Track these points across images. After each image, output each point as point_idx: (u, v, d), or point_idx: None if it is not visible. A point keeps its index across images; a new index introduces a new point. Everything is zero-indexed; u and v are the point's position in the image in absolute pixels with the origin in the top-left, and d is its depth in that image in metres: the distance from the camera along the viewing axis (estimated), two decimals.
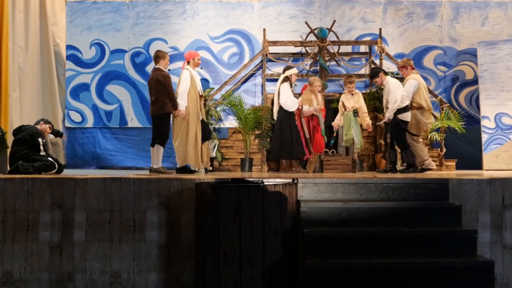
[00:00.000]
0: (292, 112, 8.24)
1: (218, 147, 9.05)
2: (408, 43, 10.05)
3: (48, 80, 9.98)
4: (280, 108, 8.30)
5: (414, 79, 7.44)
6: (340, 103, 8.70)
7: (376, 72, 7.86)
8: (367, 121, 8.47)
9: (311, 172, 8.27)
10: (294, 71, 8.47)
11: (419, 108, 7.42)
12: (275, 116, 8.50)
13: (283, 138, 8.18)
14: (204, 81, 9.62)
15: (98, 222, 5.46)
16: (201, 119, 7.35)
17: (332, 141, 8.80)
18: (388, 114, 7.49)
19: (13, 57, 9.02)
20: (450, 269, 4.49)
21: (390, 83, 7.64)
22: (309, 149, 8.35)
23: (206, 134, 7.49)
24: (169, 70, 7.40)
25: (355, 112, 8.49)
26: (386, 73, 7.88)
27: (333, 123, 8.78)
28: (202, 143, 7.31)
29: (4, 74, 8.62)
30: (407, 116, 7.38)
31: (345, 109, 8.58)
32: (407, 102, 7.35)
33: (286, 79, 8.35)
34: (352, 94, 8.66)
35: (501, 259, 5.32)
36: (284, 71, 8.53)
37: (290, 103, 8.19)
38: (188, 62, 7.40)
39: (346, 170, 8.00)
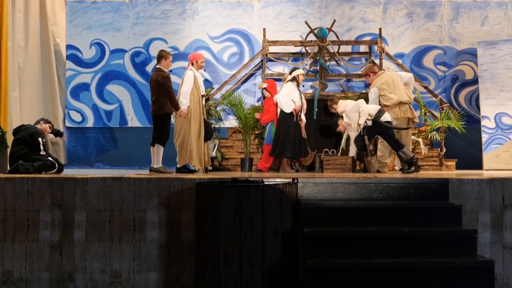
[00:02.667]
0: (291, 113, 8.22)
1: (218, 146, 9.05)
2: (408, 43, 10.05)
3: (48, 80, 9.97)
4: None
5: (375, 86, 7.84)
6: None
7: (330, 104, 8.30)
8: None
9: (307, 165, 8.48)
10: (300, 71, 8.43)
11: (402, 103, 7.65)
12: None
13: (289, 136, 8.14)
14: (205, 81, 9.62)
15: (98, 221, 5.46)
16: (203, 118, 7.38)
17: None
18: (360, 123, 7.58)
19: (13, 56, 9.01)
20: (450, 269, 4.49)
21: (344, 106, 8.01)
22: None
23: (208, 134, 7.51)
24: (170, 71, 7.41)
25: None
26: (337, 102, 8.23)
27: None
28: (204, 143, 7.34)
29: (4, 73, 8.61)
30: (388, 116, 7.46)
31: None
32: (371, 112, 7.51)
33: (293, 79, 8.34)
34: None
35: (501, 259, 5.33)
36: (291, 72, 8.49)
37: (284, 103, 8.17)
38: (192, 64, 7.44)
39: (346, 170, 8.00)
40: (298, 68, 8.60)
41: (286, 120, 8.20)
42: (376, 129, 7.52)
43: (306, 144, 8.35)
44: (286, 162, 8.32)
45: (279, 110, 8.37)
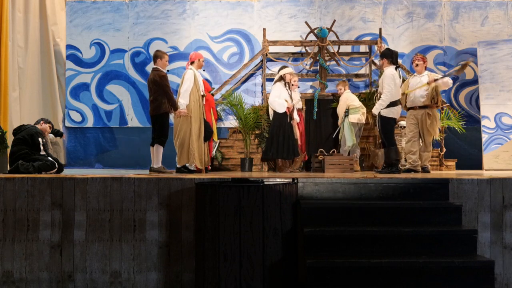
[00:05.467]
0: (285, 112, 8.22)
1: (218, 146, 9.06)
2: (408, 43, 10.06)
3: (48, 80, 9.98)
4: None
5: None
6: None
7: (383, 54, 7.46)
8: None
9: (297, 170, 8.43)
10: (286, 70, 8.39)
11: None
12: (271, 115, 8.48)
13: (279, 138, 8.15)
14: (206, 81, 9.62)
15: (98, 221, 5.46)
16: (203, 118, 7.37)
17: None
18: (375, 109, 7.31)
19: (13, 56, 9.02)
20: (450, 269, 4.49)
21: (387, 73, 7.25)
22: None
23: (208, 134, 7.50)
24: (168, 71, 7.40)
25: (346, 111, 8.66)
26: (392, 62, 7.28)
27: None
28: (204, 143, 7.33)
29: (4, 73, 8.62)
30: (389, 112, 7.19)
31: None
32: (395, 97, 7.16)
33: (280, 78, 8.34)
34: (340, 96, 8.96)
35: (501, 259, 5.32)
36: (279, 71, 8.52)
37: (277, 104, 8.18)
38: (192, 63, 7.42)
39: (347, 170, 7.97)
40: (286, 67, 8.57)
41: (280, 120, 8.18)
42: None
43: (297, 145, 8.32)
44: (282, 162, 8.28)
45: (271, 112, 8.36)
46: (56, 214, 5.46)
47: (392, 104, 7.19)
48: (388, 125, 7.24)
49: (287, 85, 8.32)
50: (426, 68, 7.66)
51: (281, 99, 8.18)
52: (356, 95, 9.21)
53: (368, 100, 9.12)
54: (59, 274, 5.43)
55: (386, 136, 7.23)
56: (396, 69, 7.25)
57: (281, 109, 8.18)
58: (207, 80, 9.81)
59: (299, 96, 8.74)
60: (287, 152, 8.13)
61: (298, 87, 8.72)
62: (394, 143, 7.27)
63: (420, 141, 7.57)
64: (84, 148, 10.07)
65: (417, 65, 7.62)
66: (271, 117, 8.44)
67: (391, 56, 7.33)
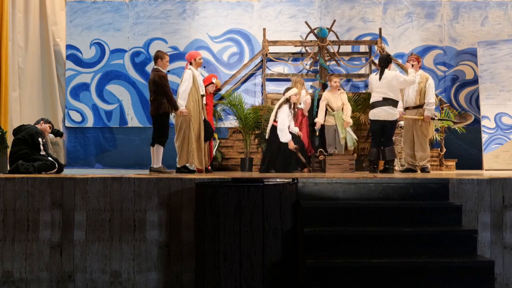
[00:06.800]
0: None
1: (218, 146, 9.06)
2: (408, 43, 10.06)
3: (48, 80, 9.98)
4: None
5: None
6: (325, 102, 8.61)
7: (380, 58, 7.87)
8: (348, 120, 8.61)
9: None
10: (292, 92, 8.17)
11: None
12: (267, 132, 8.31)
13: (273, 152, 8.03)
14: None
15: (98, 221, 5.46)
16: (203, 118, 7.36)
17: (316, 140, 8.80)
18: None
19: (13, 56, 9.01)
20: (450, 269, 4.49)
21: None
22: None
23: (208, 134, 7.49)
24: (168, 71, 7.39)
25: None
26: (379, 66, 7.63)
27: (316, 120, 8.66)
28: (204, 143, 7.32)
29: (4, 73, 8.61)
30: (370, 114, 7.53)
31: (332, 110, 8.56)
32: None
33: (286, 101, 8.14)
34: (339, 89, 8.75)
35: (501, 259, 5.33)
36: (284, 93, 8.29)
37: (284, 134, 7.99)
38: (191, 63, 7.41)
39: (347, 170, 7.95)
40: (291, 89, 8.29)
41: (278, 138, 8.06)
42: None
43: (293, 159, 8.11)
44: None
45: (268, 128, 8.22)
46: (56, 214, 5.46)
47: (372, 106, 7.50)
48: (371, 126, 7.55)
49: (291, 107, 8.12)
50: (420, 68, 7.87)
51: (286, 126, 8.02)
52: (356, 95, 9.22)
53: (368, 100, 9.11)
54: (59, 274, 5.43)
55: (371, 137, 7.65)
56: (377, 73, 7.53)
57: (284, 140, 8.00)
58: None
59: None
60: (279, 165, 7.98)
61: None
62: (373, 145, 7.53)
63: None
64: (84, 148, 10.07)
65: (412, 65, 7.80)
66: (267, 136, 8.28)
67: (379, 60, 7.75)
